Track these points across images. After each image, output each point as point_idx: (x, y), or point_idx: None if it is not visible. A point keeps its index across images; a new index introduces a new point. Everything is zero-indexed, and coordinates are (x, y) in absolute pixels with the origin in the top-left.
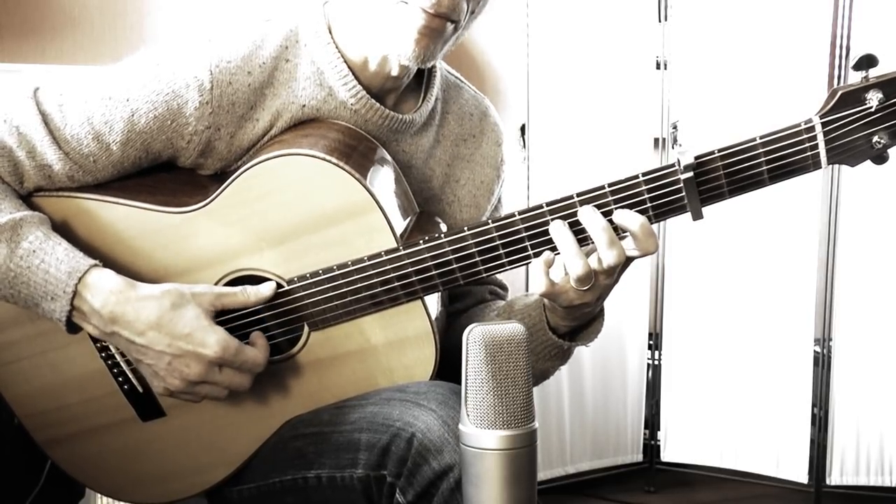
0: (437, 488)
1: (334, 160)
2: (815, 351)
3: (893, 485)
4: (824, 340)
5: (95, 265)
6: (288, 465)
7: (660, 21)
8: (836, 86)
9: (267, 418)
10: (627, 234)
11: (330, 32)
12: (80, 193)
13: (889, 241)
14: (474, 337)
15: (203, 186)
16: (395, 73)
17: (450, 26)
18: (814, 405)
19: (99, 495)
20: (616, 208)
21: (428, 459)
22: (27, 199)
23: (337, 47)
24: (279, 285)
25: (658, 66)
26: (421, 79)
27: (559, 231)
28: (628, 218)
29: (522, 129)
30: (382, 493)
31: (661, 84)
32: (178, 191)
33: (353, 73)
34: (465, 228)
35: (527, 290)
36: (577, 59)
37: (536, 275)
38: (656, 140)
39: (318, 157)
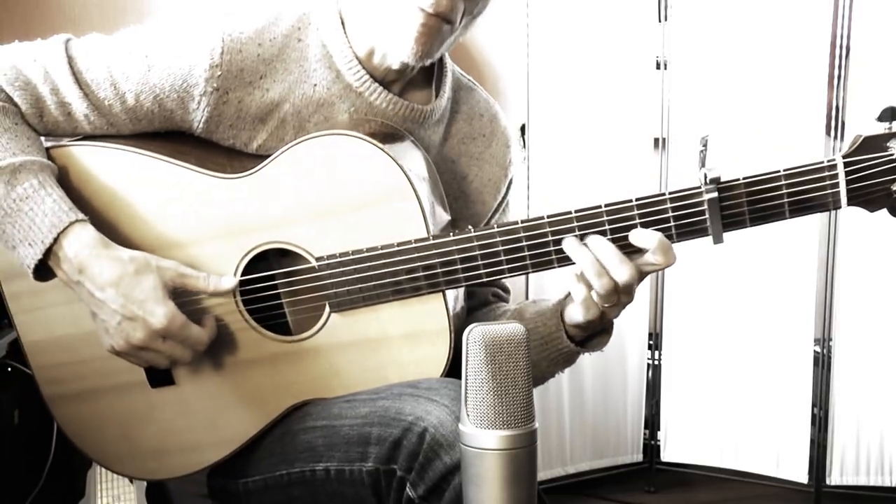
0: (449, 483)
1: (379, 145)
2: (815, 351)
3: (893, 485)
4: (824, 340)
5: (79, 221)
6: (296, 457)
7: (660, 21)
8: (835, 86)
9: (273, 400)
10: (646, 250)
11: (341, 20)
12: (130, 147)
13: (889, 242)
14: (474, 337)
15: (244, 160)
16: (396, 67)
17: (446, 26)
18: (814, 405)
19: (99, 496)
20: (640, 222)
21: (440, 454)
22: (74, 145)
23: (346, 35)
24: (307, 261)
25: (658, 66)
26: (430, 74)
27: (577, 250)
28: (645, 237)
29: (522, 129)
30: (392, 487)
31: (661, 84)
32: (221, 160)
33: (359, 61)
34: (496, 226)
35: (526, 294)
36: (577, 59)
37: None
38: (656, 140)
39: (365, 140)
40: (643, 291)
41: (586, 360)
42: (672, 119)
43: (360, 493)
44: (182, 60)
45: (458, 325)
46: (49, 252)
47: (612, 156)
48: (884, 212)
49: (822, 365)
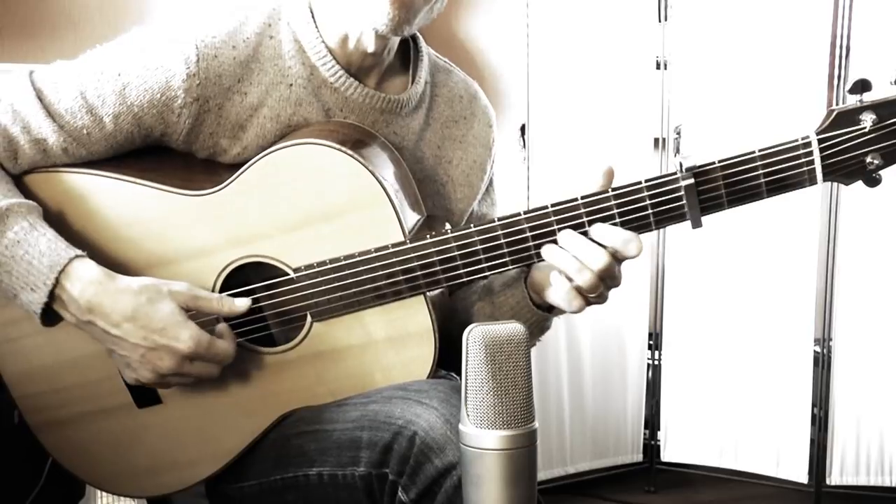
0: (441, 486)
1: (349, 151)
2: (815, 351)
3: (893, 485)
4: (824, 340)
5: (77, 256)
6: (289, 462)
7: (660, 21)
8: (835, 86)
9: (262, 411)
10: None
11: (311, 12)
12: (96, 171)
13: (889, 242)
14: (474, 337)
15: (218, 173)
16: (371, 49)
17: None
18: (814, 405)
19: (99, 496)
20: (618, 212)
21: (430, 457)
22: (39, 172)
23: (317, 27)
24: (285, 273)
25: (658, 66)
26: (407, 61)
27: (554, 253)
28: (606, 233)
29: (522, 129)
30: (384, 492)
31: (661, 84)
32: (193, 176)
33: (332, 54)
34: (472, 226)
35: None
36: (577, 59)
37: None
38: (656, 140)
39: (334, 148)
40: (643, 291)
41: (586, 360)
42: (672, 119)
43: (354, 498)
44: (158, 73)
45: (440, 315)
46: (52, 295)
47: (612, 156)
48: (880, 210)
49: (822, 365)
